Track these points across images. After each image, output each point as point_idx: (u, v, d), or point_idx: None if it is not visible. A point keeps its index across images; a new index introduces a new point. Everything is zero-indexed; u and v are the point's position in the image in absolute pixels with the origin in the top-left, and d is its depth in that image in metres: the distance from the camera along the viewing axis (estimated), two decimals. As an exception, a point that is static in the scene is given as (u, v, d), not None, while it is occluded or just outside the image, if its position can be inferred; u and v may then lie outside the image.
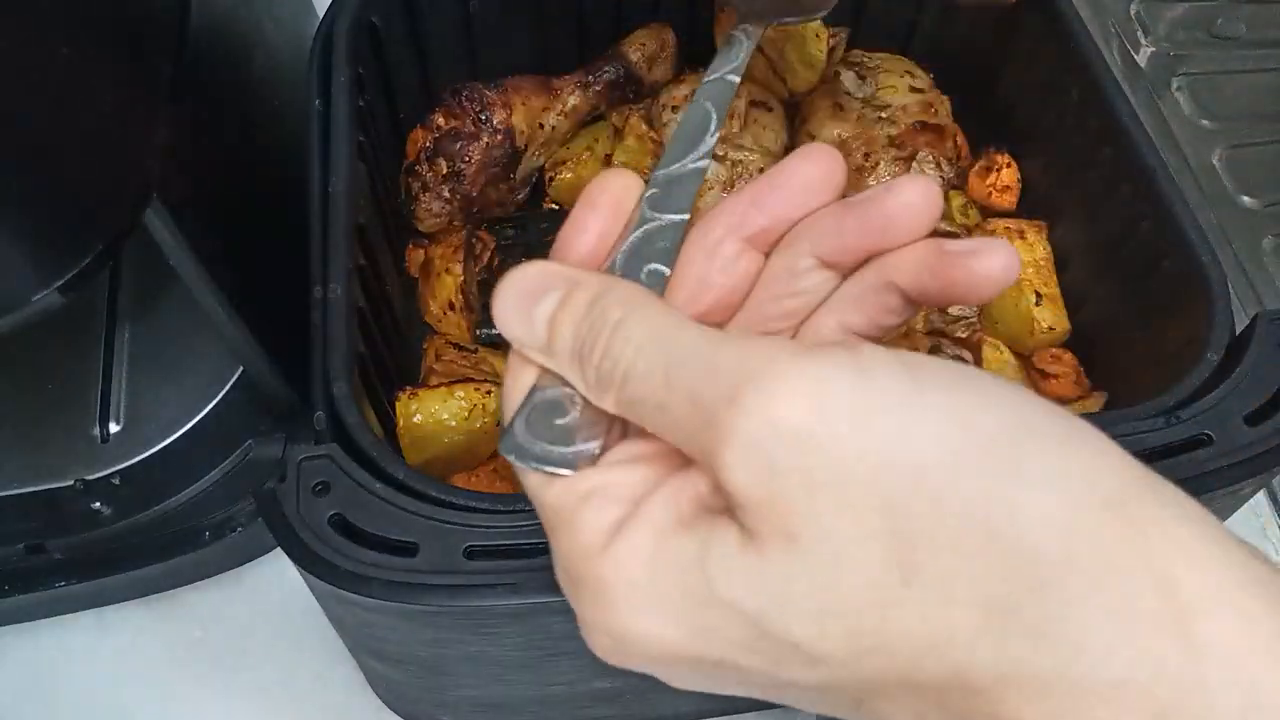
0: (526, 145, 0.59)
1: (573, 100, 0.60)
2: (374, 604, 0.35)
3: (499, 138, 0.57)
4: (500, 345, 0.56)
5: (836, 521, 0.22)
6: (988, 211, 0.60)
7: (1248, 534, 0.59)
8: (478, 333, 0.56)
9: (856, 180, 0.57)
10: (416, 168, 0.57)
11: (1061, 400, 0.53)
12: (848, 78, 0.59)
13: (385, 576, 0.34)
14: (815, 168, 0.29)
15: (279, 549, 0.35)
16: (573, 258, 0.29)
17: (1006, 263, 0.26)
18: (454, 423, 0.49)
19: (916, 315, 0.55)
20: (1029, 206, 0.60)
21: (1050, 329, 0.55)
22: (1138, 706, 0.20)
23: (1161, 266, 0.48)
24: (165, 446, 0.52)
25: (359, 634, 0.40)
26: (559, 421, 0.26)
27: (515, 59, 0.60)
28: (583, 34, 0.62)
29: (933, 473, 0.21)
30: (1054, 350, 0.56)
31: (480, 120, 0.57)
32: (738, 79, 0.32)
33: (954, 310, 0.55)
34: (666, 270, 0.28)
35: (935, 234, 0.27)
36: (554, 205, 0.62)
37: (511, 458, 0.26)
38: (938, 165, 0.57)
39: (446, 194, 0.57)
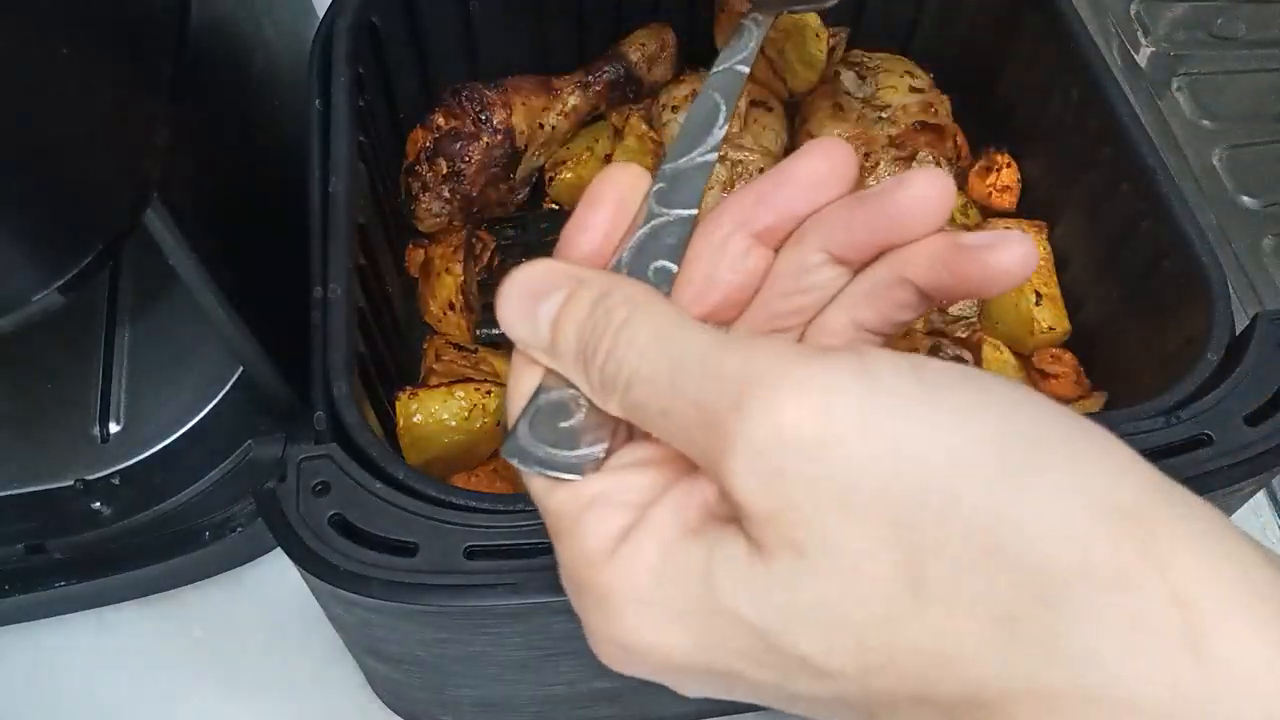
0: (526, 145, 0.59)
1: (573, 100, 0.60)
2: (374, 604, 0.35)
3: (499, 138, 0.57)
4: (501, 345, 0.56)
5: (844, 533, 0.21)
6: (988, 211, 0.60)
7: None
8: (478, 333, 0.56)
9: (856, 180, 0.57)
10: (416, 168, 0.57)
11: (1061, 400, 0.53)
12: (848, 78, 0.59)
13: (385, 576, 0.34)
14: (825, 162, 0.28)
15: (279, 549, 0.35)
16: (577, 255, 0.28)
17: (1024, 256, 0.25)
18: (454, 423, 0.49)
19: (931, 313, 0.55)
20: (1029, 206, 0.60)
21: (1050, 329, 0.55)
22: None
23: (1161, 266, 0.48)
24: (165, 446, 0.52)
25: (359, 634, 0.40)
26: (564, 424, 0.26)
27: (515, 59, 0.60)
28: (583, 34, 0.62)
29: (941, 482, 0.21)
30: (1054, 350, 0.56)
31: (480, 120, 0.57)
32: (747, 69, 0.31)
33: (954, 310, 0.55)
34: (673, 267, 0.28)
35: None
36: (554, 205, 0.62)
37: (515, 461, 0.26)
38: (937, 165, 0.57)
39: (446, 194, 0.57)
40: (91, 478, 0.51)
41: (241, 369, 0.53)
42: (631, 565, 0.23)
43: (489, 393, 0.50)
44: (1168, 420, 0.40)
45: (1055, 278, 0.56)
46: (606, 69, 0.60)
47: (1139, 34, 0.80)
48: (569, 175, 0.61)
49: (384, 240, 0.55)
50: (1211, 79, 0.77)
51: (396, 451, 0.47)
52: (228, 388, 0.53)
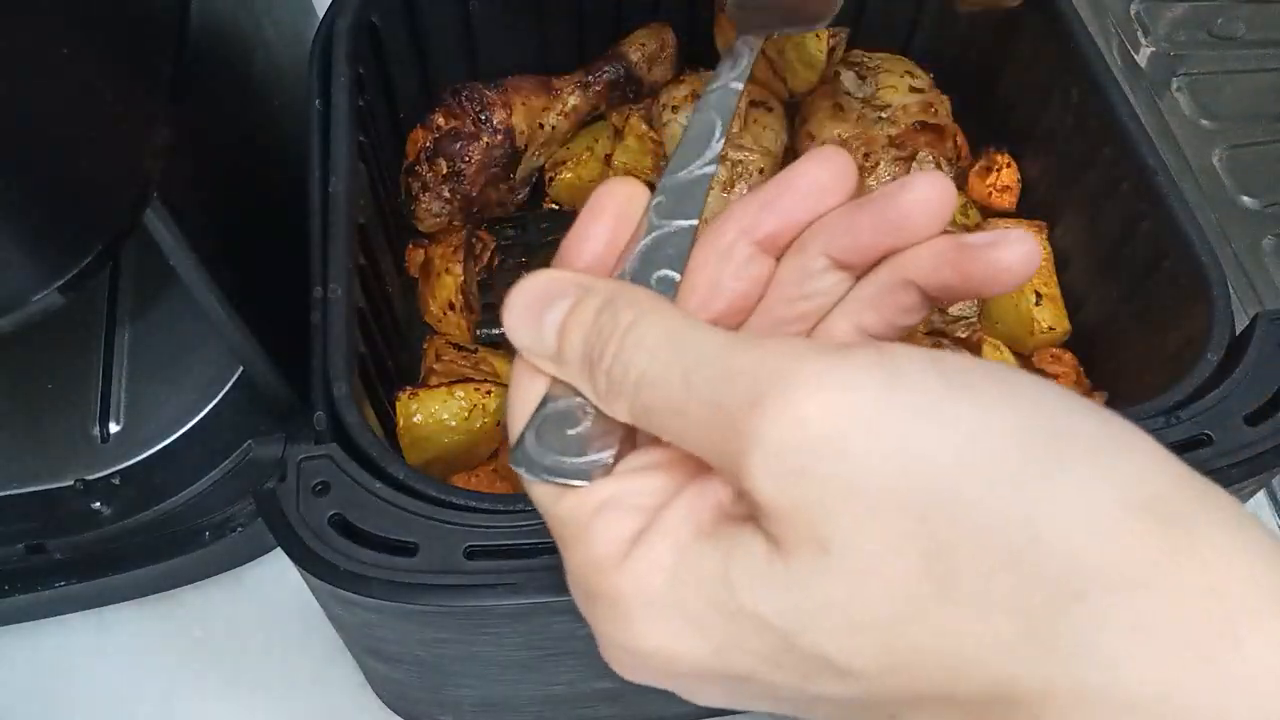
0: (526, 145, 0.59)
1: (573, 100, 0.60)
2: (374, 604, 0.35)
3: (499, 138, 0.57)
4: (501, 345, 0.56)
5: (869, 528, 0.21)
6: (988, 211, 0.60)
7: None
8: (478, 333, 0.56)
9: (857, 188, 0.57)
10: (416, 168, 0.57)
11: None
12: (848, 78, 0.59)
13: (385, 576, 0.34)
14: (826, 170, 0.28)
15: (279, 549, 0.35)
16: (579, 266, 0.28)
17: (1028, 253, 0.25)
18: (454, 423, 0.49)
19: (931, 314, 0.55)
20: (1029, 206, 0.60)
21: (1050, 329, 0.55)
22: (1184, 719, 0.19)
23: (1161, 266, 0.48)
24: (165, 446, 0.52)
25: (359, 634, 0.40)
26: (571, 432, 0.25)
27: (515, 59, 0.60)
28: (583, 34, 0.62)
29: (968, 476, 0.20)
30: (1054, 350, 0.56)
31: (480, 120, 0.57)
32: (741, 85, 0.32)
33: (954, 310, 0.55)
34: (676, 276, 0.28)
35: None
36: (554, 205, 0.62)
37: (521, 470, 0.25)
38: (938, 165, 0.57)
39: (446, 194, 0.57)
40: (91, 478, 0.51)
41: (241, 369, 0.53)
42: (644, 568, 0.23)
43: (489, 393, 0.50)
44: (1168, 420, 0.40)
45: (1055, 278, 0.56)
46: (606, 69, 0.60)
47: (1139, 34, 0.80)
48: (569, 175, 0.61)
49: (384, 240, 0.55)
50: (1211, 79, 0.77)
51: (396, 451, 0.47)
52: (228, 388, 0.53)
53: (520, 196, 0.61)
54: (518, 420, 0.26)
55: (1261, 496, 0.60)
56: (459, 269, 0.56)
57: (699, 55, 0.62)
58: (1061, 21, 0.54)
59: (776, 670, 0.22)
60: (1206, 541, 0.20)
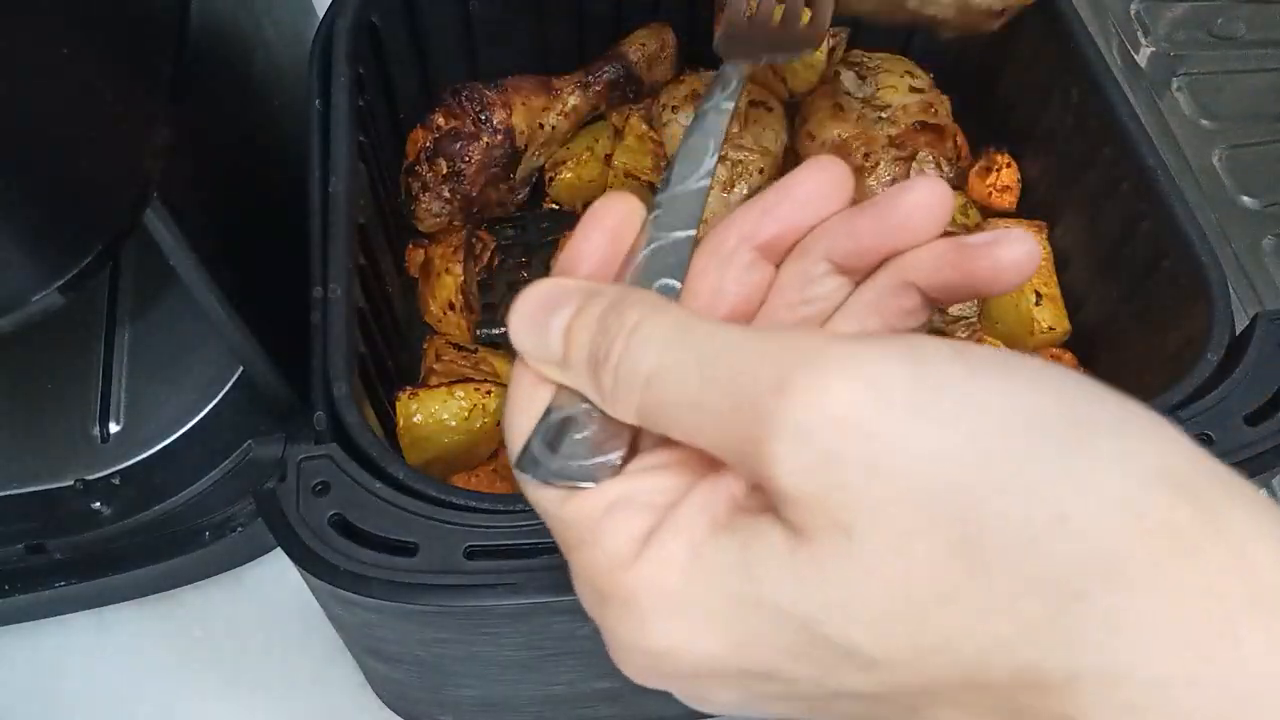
0: (526, 145, 0.59)
1: (573, 100, 0.60)
2: (374, 604, 0.35)
3: (499, 138, 0.57)
4: (501, 345, 0.56)
5: (896, 513, 0.20)
6: (988, 212, 0.60)
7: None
8: (478, 333, 0.56)
9: (857, 180, 0.56)
10: (416, 168, 0.57)
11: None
12: (848, 78, 0.59)
13: (385, 576, 0.34)
14: (823, 177, 0.28)
15: (279, 549, 0.35)
16: (582, 274, 0.28)
17: (1028, 252, 0.26)
18: (454, 423, 0.49)
19: (931, 315, 0.55)
20: (1029, 206, 0.60)
21: (1050, 329, 0.55)
22: (1216, 699, 0.19)
23: (1161, 266, 0.48)
24: (165, 446, 0.52)
25: (359, 634, 0.40)
26: (577, 436, 0.25)
27: (515, 59, 0.60)
28: (583, 34, 0.62)
29: (995, 461, 0.20)
30: (1054, 350, 0.56)
31: (480, 120, 0.57)
32: (732, 105, 0.32)
33: (954, 310, 0.55)
34: (677, 284, 0.28)
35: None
36: (554, 205, 0.62)
37: (529, 475, 0.25)
38: (938, 165, 0.57)
39: (446, 194, 0.57)
40: (91, 478, 0.51)
41: (241, 369, 0.53)
42: (659, 566, 0.23)
43: (489, 393, 0.50)
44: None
45: (1055, 278, 0.56)
46: (606, 69, 0.60)
47: (1139, 34, 0.80)
48: (569, 175, 0.61)
49: (384, 240, 0.55)
50: (1211, 79, 0.77)
51: (396, 451, 0.47)
52: (228, 388, 0.53)
53: (520, 196, 0.61)
54: (520, 431, 0.26)
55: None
56: (459, 269, 0.56)
57: (699, 55, 0.62)
58: (1061, 21, 0.54)
59: (797, 664, 0.22)
60: (1232, 516, 0.20)
